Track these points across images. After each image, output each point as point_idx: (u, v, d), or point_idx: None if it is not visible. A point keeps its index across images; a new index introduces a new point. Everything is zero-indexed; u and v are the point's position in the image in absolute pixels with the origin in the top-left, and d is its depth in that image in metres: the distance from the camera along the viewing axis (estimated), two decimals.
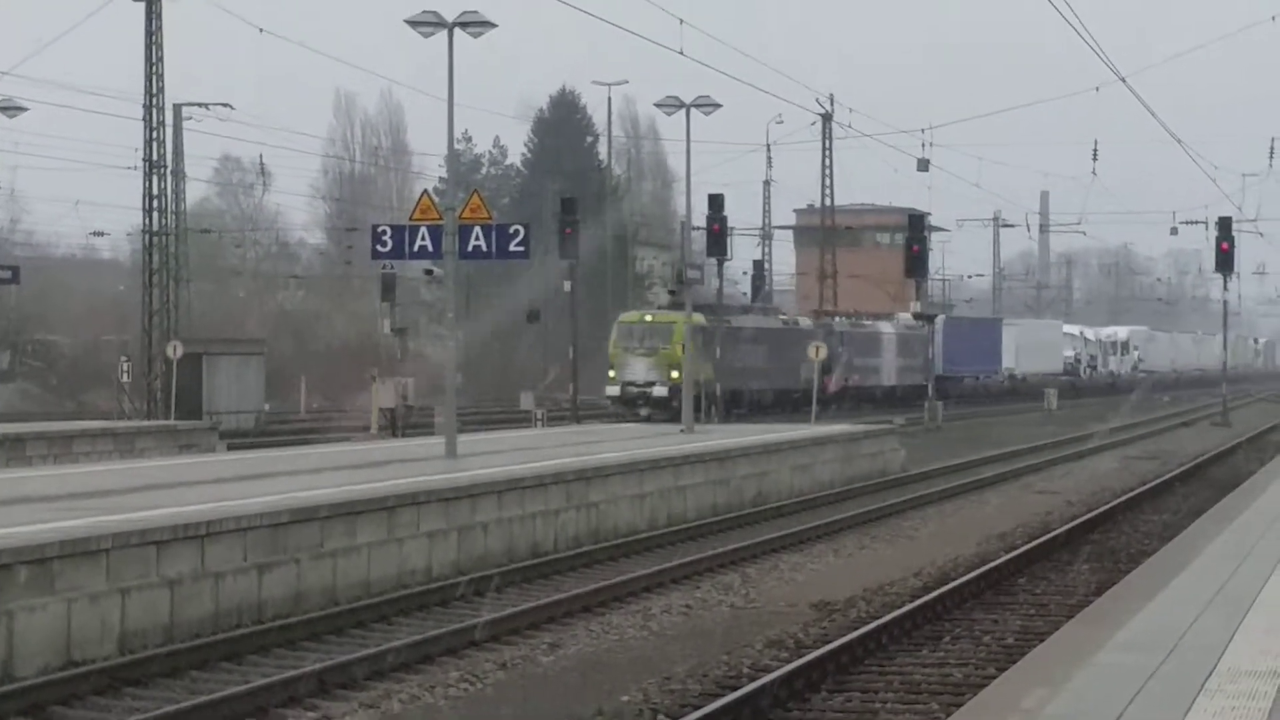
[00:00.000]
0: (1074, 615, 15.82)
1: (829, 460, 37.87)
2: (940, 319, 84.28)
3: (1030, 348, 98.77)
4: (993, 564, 23.16)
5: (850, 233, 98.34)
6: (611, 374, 61.01)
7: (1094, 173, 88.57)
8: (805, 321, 74.04)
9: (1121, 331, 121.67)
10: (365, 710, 15.12)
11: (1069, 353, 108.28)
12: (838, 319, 77.44)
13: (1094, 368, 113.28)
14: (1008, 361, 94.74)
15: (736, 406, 61.96)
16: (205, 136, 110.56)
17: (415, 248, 29.25)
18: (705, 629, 19.20)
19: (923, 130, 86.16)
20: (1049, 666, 11.42)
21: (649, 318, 62.72)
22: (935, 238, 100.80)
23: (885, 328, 79.92)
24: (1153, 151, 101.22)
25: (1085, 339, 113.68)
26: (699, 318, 62.20)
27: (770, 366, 66.20)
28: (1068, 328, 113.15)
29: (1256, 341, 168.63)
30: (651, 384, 60.17)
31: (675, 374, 59.23)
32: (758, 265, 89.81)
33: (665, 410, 57.82)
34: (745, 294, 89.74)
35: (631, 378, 60.28)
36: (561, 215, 55.47)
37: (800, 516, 31.09)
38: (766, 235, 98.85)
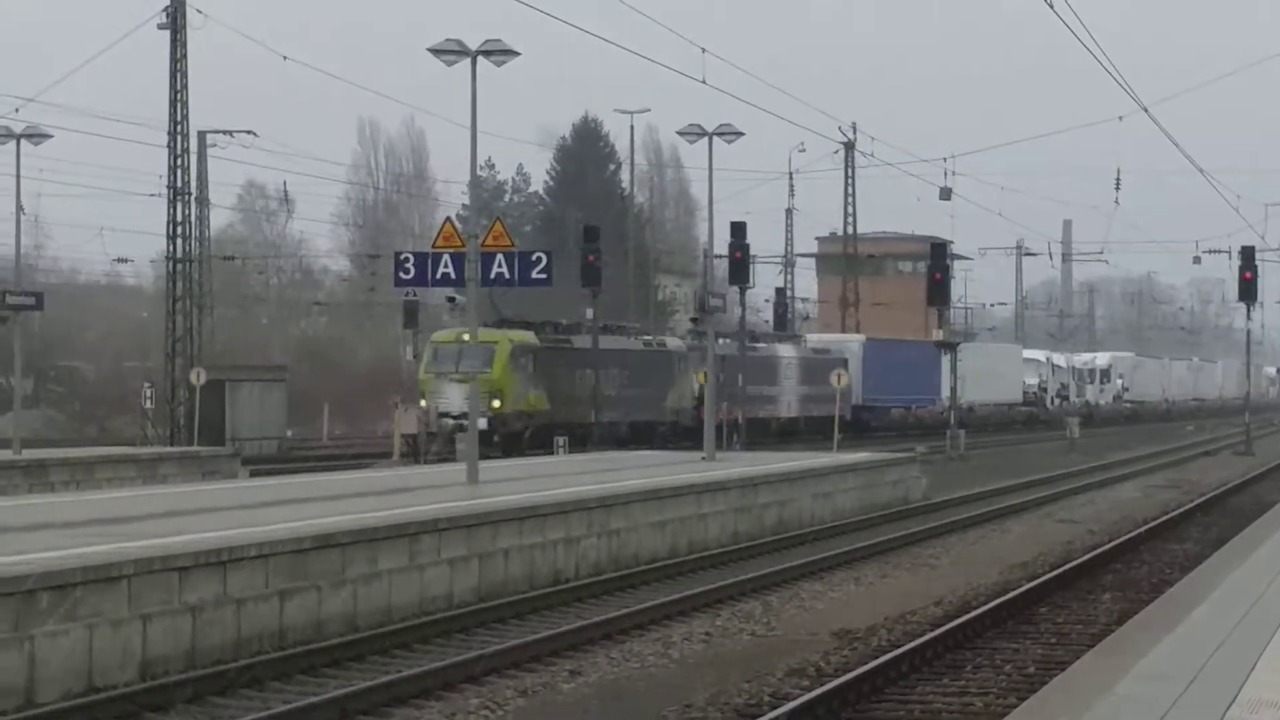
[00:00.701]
0: (1095, 644, 15.79)
1: (850, 488, 37.83)
2: (858, 343, 78.87)
3: (979, 374, 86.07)
4: (1014, 593, 23.13)
5: (873, 261, 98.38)
6: (422, 403, 52.72)
7: (1116, 202, 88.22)
8: (676, 343, 67.39)
9: (1102, 357, 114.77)
10: None
11: (1031, 380, 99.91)
12: (721, 340, 71.98)
13: (1065, 398, 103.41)
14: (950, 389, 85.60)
15: (596, 441, 54.51)
16: (229, 163, 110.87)
17: (438, 275, 29.25)
18: (726, 657, 19.17)
19: (945, 159, 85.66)
20: (1070, 696, 11.40)
21: (466, 337, 52.14)
22: (958, 266, 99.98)
23: (784, 351, 73.14)
24: (1175, 181, 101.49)
25: (1053, 366, 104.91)
26: (527, 336, 55.75)
27: (627, 394, 59.02)
28: (1031, 353, 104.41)
29: (1278, 370, 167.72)
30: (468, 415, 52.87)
31: (496, 403, 53.09)
32: (780, 293, 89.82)
33: (486, 445, 49.29)
34: (768, 321, 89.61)
35: (445, 408, 52.31)
36: (584, 243, 55.42)
37: (821, 544, 31.04)
38: (789, 263, 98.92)
